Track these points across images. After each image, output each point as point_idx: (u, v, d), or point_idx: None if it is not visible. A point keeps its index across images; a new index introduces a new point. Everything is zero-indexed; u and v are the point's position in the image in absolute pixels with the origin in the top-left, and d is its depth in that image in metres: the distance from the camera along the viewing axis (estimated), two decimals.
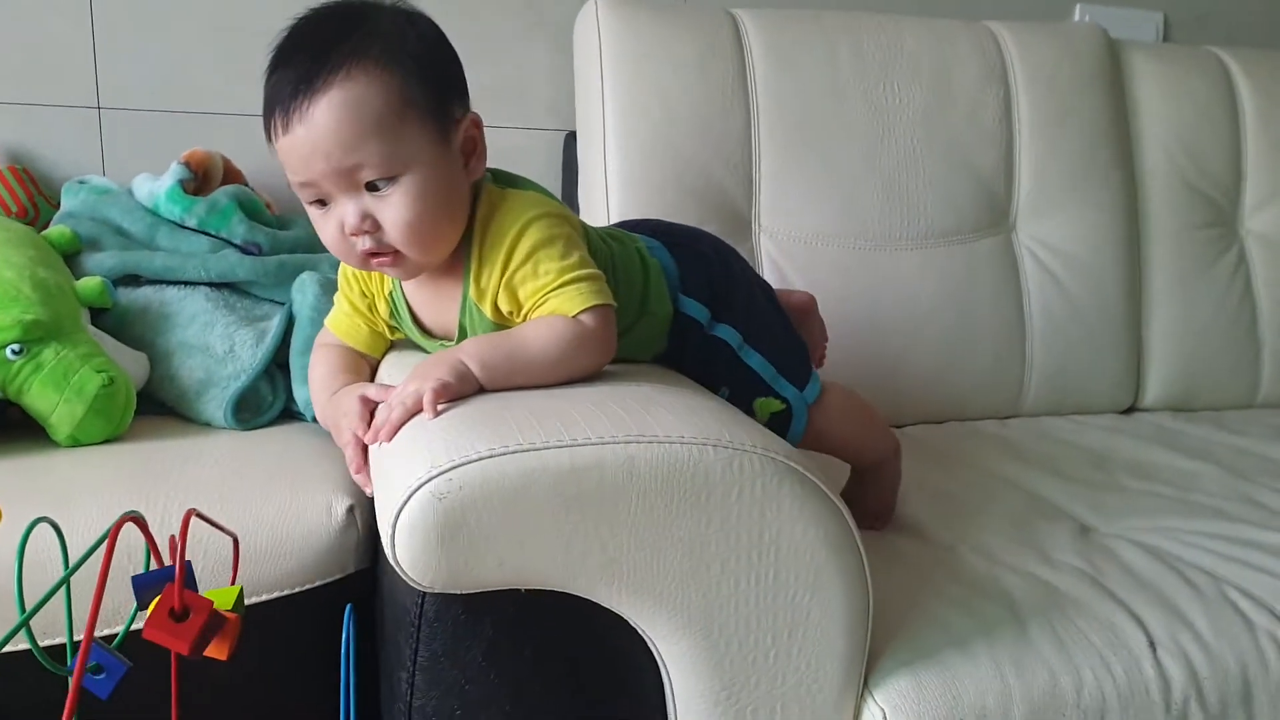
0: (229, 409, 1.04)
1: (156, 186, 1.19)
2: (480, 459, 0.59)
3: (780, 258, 1.29)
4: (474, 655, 0.64)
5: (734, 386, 0.85)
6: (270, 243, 1.19)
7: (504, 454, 0.60)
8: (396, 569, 0.60)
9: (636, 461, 0.61)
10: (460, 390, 0.68)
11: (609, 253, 0.81)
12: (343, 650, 0.75)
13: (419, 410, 0.66)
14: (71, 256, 1.13)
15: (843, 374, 1.32)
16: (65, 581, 0.61)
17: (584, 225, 0.81)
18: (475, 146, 0.75)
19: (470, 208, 0.75)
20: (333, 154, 0.68)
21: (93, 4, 1.29)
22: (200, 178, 1.23)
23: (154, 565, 0.63)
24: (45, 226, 1.17)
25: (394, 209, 0.70)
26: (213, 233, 1.18)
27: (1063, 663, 0.72)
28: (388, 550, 0.60)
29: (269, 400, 1.08)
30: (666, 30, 1.28)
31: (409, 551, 0.59)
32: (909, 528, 0.94)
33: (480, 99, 0.77)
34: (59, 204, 1.23)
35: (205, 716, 0.77)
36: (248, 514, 0.84)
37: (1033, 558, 0.88)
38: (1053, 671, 0.71)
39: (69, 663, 0.73)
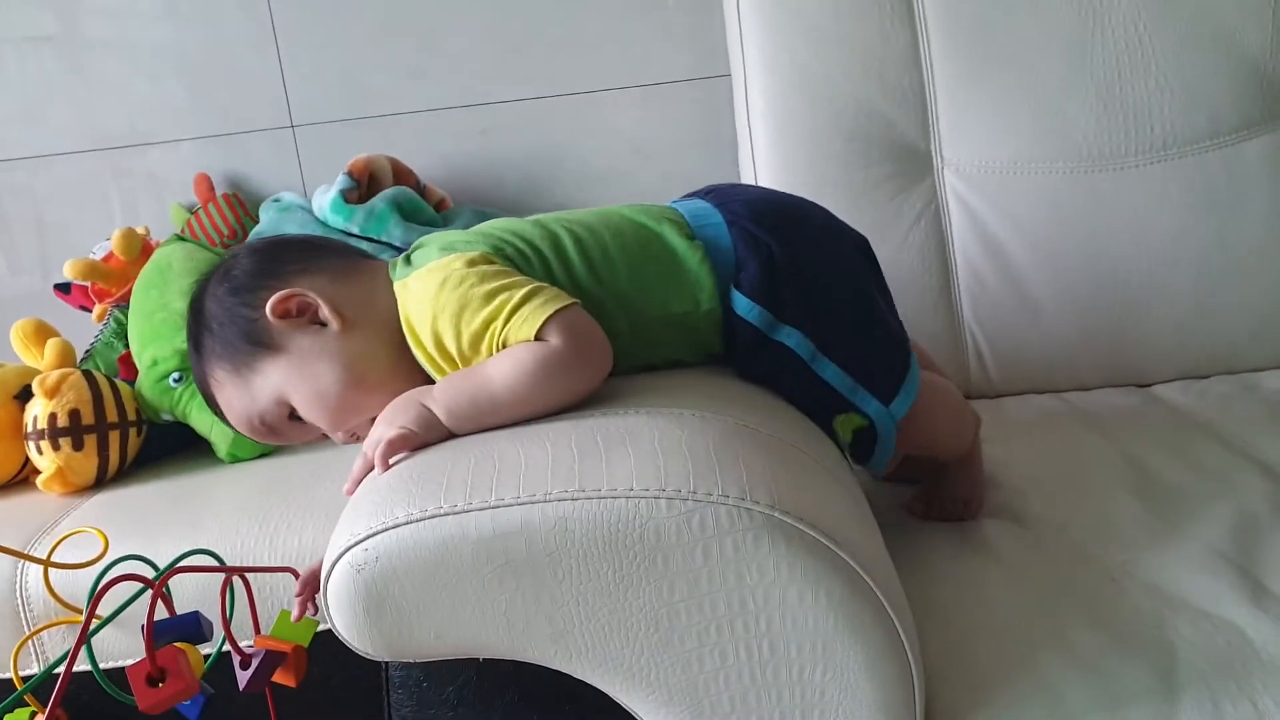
0: None
1: (324, 199, 1.24)
2: (397, 526, 0.54)
3: (970, 195, 1.09)
4: None
5: (806, 404, 0.72)
6: None
7: (421, 519, 0.53)
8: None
9: (570, 522, 0.52)
10: (424, 439, 0.62)
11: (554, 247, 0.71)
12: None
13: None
14: None
15: (1069, 329, 1.10)
16: (118, 614, 0.65)
17: (506, 234, 0.72)
18: (307, 309, 0.72)
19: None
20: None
21: (275, 29, 1.36)
22: (365, 184, 1.26)
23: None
24: None
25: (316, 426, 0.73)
26: (374, 238, 1.21)
27: None
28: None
29: None
30: None
31: (342, 620, 0.55)
32: (1070, 544, 0.74)
33: (630, 55, 0.68)
34: None
35: None
36: None
37: (1235, 594, 0.65)
38: None
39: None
